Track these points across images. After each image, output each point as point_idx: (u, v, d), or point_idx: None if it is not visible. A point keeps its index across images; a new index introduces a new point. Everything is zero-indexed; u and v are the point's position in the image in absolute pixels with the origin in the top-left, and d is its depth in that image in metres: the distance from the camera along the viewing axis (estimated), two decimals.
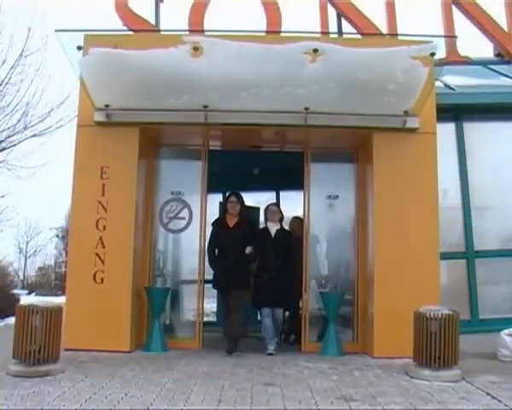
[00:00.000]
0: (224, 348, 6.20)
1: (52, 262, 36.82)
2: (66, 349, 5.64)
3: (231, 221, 6.55)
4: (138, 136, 6.47)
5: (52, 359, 4.91)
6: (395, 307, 6.01)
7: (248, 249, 6.37)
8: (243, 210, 6.68)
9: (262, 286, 6.46)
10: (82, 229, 6.36)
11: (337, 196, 7.11)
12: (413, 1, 9.45)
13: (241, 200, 6.62)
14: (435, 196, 6.43)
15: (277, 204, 7.77)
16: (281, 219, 6.84)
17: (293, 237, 6.98)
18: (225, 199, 6.96)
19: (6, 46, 12.18)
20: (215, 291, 7.35)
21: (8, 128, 12.61)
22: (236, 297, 6.23)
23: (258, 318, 7.11)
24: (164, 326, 6.68)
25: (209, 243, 6.68)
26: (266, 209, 6.96)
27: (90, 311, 6.09)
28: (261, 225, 7.44)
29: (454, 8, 8.39)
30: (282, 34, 7.32)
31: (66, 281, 6.50)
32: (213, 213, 7.45)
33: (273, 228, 6.67)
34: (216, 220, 6.79)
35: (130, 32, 7.46)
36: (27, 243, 35.91)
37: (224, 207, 6.94)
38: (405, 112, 6.34)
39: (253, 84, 5.91)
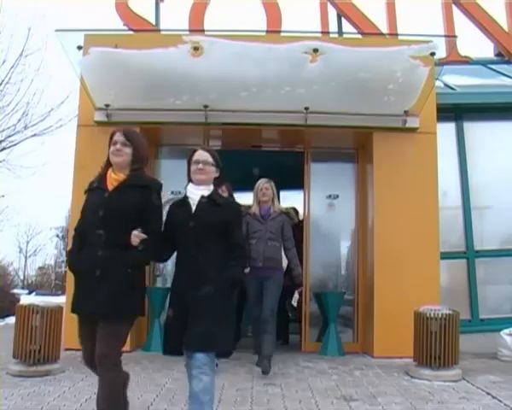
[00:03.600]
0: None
1: (52, 262, 36.82)
2: (66, 349, 5.63)
3: (111, 180, 3.14)
4: None
5: (52, 358, 4.91)
6: (395, 307, 6.00)
7: (136, 236, 3.00)
8: (141, 158, 3.19)
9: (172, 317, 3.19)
10: None
11: (337, 196, 7.11)
12: (413, 1, 9.45)
13: (135, 140, 3.19)
14: (435, 195, 6.43)
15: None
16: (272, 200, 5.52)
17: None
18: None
19: (6, 46, 12.19)
20: None
21: (9, 128, 12.63)
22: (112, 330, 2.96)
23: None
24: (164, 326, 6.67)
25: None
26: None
27: None
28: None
29: (454, 7, 8.39)
30: (283, 34, 7.31)
31: (67, 281, 6.49)
32: None
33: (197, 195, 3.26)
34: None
35: (131, 32, 7.46)
36: (27, 242, 35.90)
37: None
38: (405, 112, 6.34)
39: (253, 84, 5.91)
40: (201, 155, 3.24)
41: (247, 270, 4.92)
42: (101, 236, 2.98)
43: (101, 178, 3.18)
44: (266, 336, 5.21)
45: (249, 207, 5.58)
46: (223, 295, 3.09)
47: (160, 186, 3.21)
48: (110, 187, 3.09)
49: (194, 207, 3.17)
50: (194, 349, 2.98)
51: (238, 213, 3.43)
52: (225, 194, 5.10)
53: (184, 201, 3.24)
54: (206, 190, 3.21)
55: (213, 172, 3.27)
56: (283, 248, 5.47)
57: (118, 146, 3.13)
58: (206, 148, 3.36)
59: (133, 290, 3.02)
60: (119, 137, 3.18)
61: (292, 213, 5.68)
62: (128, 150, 3.13)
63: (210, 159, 3.24)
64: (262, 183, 5.52)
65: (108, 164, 3.19)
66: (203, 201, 3.17)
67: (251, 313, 5.64)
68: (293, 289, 6.31)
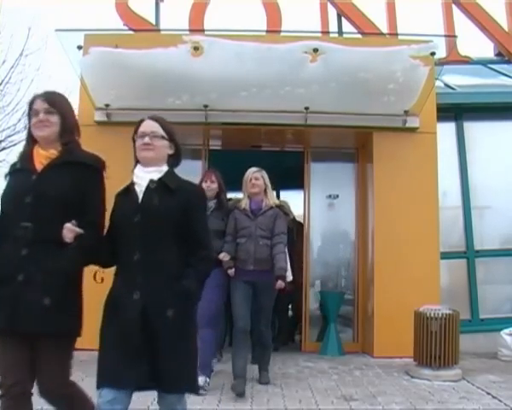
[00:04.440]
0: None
1: None
2: None
3: (40, 158, 2.48)
4: None
5: None
6: (395, 307, 6.00)
7: (69, 230, 2.36)
8: (71, 128, 2.56)
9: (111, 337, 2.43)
10: None
11: (337, 196, 7.11)
12: (413, 1, 9.44)
13: (61, 105, 2.54)
14: (435, 195, 6.43)
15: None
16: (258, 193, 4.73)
17: None
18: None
19: (6, 46, 12.18)
20: None
21: (9, 128, 12.62)
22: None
23: None
24: None
25: None
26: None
27: (91, 310, 6.08)
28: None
29: (454, 7, 8.38)
30: (283, 34, 7.30)
31: None
32: None
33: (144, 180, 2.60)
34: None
35: (131, 32, 7.45)
36: None
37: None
38: (405, 111, 6.34)
39: (253, 84, 5.91)
40: (148, 125, 2.47)
41: (231, 271, 4.52)
42: (28, 229, 2.30)
43: (26, 156, 2.47)
44: (263, 349, 4.79)
45: (239, 200, 4.85)
46: (185, 316, 2.36)
47: (101, 164, 2.51)
48: (39, 166, 2.40)
49: (140, 196, 2.40)
50: (162, 390, 2.39)
51: (200, 199, 2.57)
52: (214, 185, 4.72)
53: (129, 188, 2.47)
54: (155, 173, 2.43)
55: (165, 147, 2.49)
56: (271, 243, 4.55)
57: (41, 116, 2.42)
58: (155, 117, 2.53)
59: (70, 300, 2.39)
60: (40, 104, 2.45)
61: (286, 207, 4.94)
62: (55, 119, 2.43)
63: (160, 130, 2.47)
64: (251, 172, 4.73)
65: (32, 140, 2.49)
66: (152, 187, 2.40)
67: (234, 322, 4.66)
68: (296, 292, 6.26)
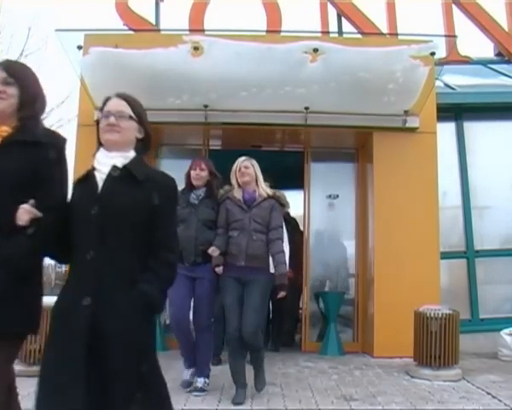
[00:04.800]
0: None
1: (52, 261, 36.80)
2: None
3: None
4: None
5: None
6: (395, 307, 6.00)
7: (26, 211, 2.04)
8: (31, 101, 2.23)
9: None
10: None
11: (337, 196, 7.12)
12: (413, 1, 9.44)
13: (22, 74, 2.23)
14: (435, 195, 6.43)
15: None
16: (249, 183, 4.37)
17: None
18: None
19: (6, 46, 12.18)
20: None
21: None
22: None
23: None
24: (164, 326, 6.67)
25: None
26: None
27: None
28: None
29: (454, 7, 8.38)
30: (282, 34, 7.31)
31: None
32: None
33: (106, 166, 2.19)
34: None
35: (131, 32, 7.46)
36: None
37: None
38: (405, 111, 6.34)
39: (253, 84, 5.91)
40: (115, 104, 2.15)
41: (219, 269, 4.23)
42: None
43: None
44: (254, 355, 4.26)
45: (230, 189, 4.42)
46: (143, 330, 2.01)
47: (61, 142, 2.17)
48: None
49: (100, 185, 2.06)
50: None
51: (172, 194, 2.19)
52: (204, 173, 4.44)
53: (88, 175, 2.12)
54: (120, 158, 2.09)
55: (133, 129, 2.15)
56: (268, 239, 4.21)
57: None
58: (123, 94, 2.20)
59: (18, 295, 2.04)
60: None
61: (283, 198, 4.45)
62: (13, 91, 2.12)
63: (128, 110, 2.14)
64: (240, 161, 4.38)
65: None
66: (114, 174, 2.06)
67: (227, 326, 4.26)
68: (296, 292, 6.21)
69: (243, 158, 4.41)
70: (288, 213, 5.05)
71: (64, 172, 2.17)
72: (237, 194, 4.32)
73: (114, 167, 2.07)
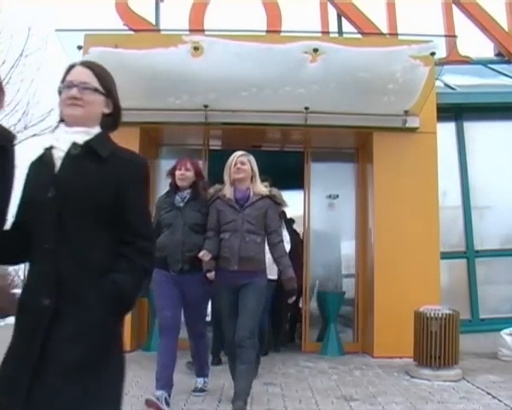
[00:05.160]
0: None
1: None
2: None
3: None
4: (139, 135, 6.45)
5: None
6: (395, 307, 6.00)
7: None
8: None
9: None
10: None
11: (337, 196, 7.12)
12: (413, 1, 9.44)
13: None
14: (435, 195, 6.43)
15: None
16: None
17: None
18: None
19: (6, 46, 12.18)
20: None
21: (9, 128, 12.63)
22: None
23: None
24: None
25: None
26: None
27: None
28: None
29: (454, 7, 8.39)
30: (282, 34, 7.31)
31: None
32: None
33: (66, 143, 1.83)
34: None
35: (131, 32, 7.46)
36: None
37: None
38: (406, 111, 6.35)
39: (253, 84, 5.91)
40: (78, 73, 1.83)
41: (210, 275, 3.95)
42: None
43: None
44: (242, 367, 3.78)
45: (220, 189, 4.07)
46: (102, 333, 1.67)
47: (9, 138, 1.82)
48: None
49: (58, 164, 1.77)
50: None
51: (139, 170, 1.85)
52: (189, 173, 4.14)
53: (45, 154, 1.82)
54: (81, 134, 1.80)
55: (99, 103, 1.85)
56: (268, 243, 3.95)
57: None
58: (88, 62, 1.88)
59: None
60: None
61: (279, 196, 4.07)
62: None
63: (94, 81, 1.82)
64: (236, 156, 4.02)
65: None
66: (74, 152, 1.77)
67: (224, 334, 4.06)
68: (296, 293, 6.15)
69: (240, 153, 4.06)
70: (283, 212, 4.87)
71: (9, 168, 1.79)
72: (228, 193, 3.97)
73: (74, 144, 1.78)
